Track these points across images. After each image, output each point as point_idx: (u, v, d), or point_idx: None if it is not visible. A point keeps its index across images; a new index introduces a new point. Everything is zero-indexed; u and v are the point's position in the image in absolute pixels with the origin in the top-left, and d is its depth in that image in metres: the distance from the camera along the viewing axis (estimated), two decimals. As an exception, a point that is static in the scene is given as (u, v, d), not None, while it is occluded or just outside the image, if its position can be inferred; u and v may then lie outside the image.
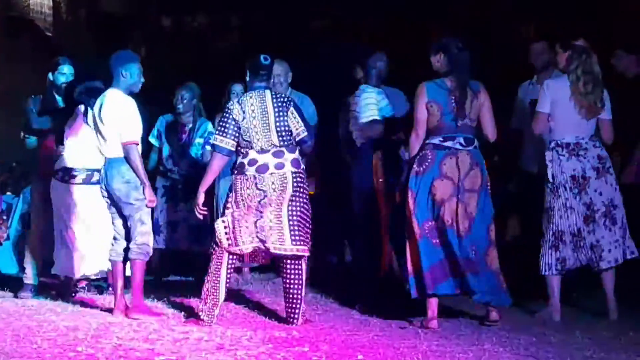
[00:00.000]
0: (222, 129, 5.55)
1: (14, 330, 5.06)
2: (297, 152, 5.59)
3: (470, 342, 4.98)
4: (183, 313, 5.77)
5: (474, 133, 5.64)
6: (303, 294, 5.58)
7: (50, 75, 6.73)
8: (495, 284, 5.47)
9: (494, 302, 5.50)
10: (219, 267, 5.52)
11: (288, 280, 5.57)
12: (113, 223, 5.86)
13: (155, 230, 7.02)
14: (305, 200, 5.55)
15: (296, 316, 5.52)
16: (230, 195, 5.58)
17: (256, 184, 5.49)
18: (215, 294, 5.49)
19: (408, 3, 10.98)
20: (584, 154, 5.77)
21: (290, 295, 5.56)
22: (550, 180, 5.78)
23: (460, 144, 5.55)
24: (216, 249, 5.54)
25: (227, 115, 5.56)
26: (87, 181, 6.39)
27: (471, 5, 10.76)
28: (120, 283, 5.76)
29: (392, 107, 6.80)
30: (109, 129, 5.75)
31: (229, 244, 5.49)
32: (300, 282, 5.56)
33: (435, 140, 5.58)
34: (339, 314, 5.90)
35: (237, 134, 5.52)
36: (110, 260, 5.87)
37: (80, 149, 6.40)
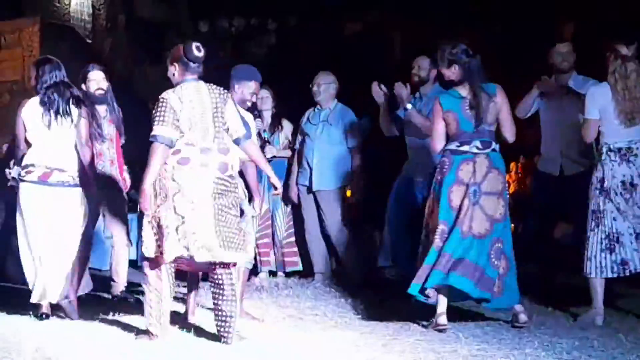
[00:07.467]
0: (161, 118, 4.92)
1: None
2: (228, 153, 5.04)
3: (512, 346, 4.96)
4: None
5: (492, 136, 5.64)
6: (238, 309, 4.96)
7: (83, 86, 6.64)
8: (510, 287, 5.53)
9: (496, 305, 5.60)
10: (159, 277, 4.93)
11: (218, 293, 4.93)
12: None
13: None
14: (234, 206, 4.99)
15: (229, 334, 4.88)
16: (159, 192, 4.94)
17: (173, 175, 4.89)
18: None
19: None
20: (634, 160, 5.69)
21: (221, 311, 4.91)
22: (595, 183, 5.71)
23: (477, 148, 5.56)
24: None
25: (164, 104, 4.95)
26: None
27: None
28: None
29: None
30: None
31: (155, 253, 4.88)
32: (234, 295, 4.93)
33: (452, 146, 5.62)
34: (379, 318, 5.89)
35: (177, 124, 4.92)
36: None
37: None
